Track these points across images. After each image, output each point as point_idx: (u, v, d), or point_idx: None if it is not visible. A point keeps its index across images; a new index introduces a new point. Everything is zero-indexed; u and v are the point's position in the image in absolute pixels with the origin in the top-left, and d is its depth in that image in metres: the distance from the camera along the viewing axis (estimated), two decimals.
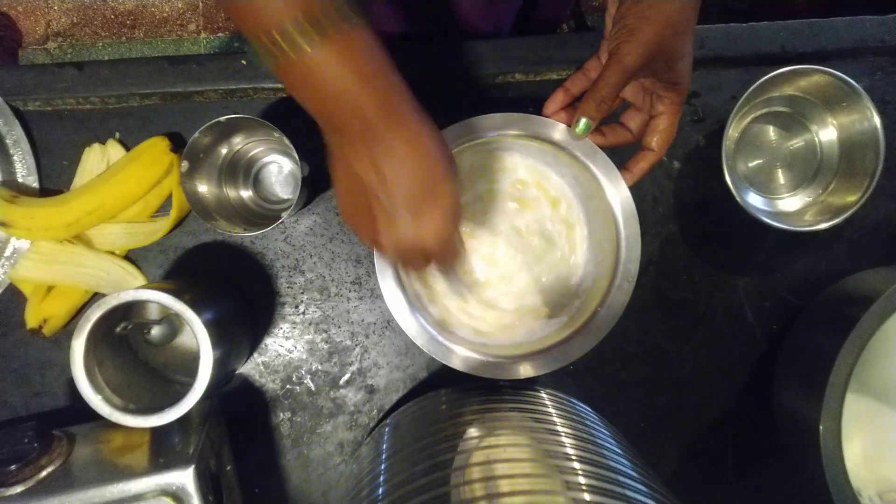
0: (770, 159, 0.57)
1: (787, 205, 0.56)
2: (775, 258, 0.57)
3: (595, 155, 0.48)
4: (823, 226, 0.50)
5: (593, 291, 0.50)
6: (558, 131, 0.48)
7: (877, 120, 0.50)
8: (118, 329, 0.47)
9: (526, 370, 0.48)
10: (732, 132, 0.55)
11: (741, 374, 0.57)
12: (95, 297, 0.54)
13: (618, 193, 0.48)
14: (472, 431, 0.41)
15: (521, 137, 0.49)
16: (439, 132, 0.35)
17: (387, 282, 0.48)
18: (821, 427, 0.44)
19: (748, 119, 0.56)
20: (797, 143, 0.56)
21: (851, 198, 0.51)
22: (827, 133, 0.55)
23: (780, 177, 0.57)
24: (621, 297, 0.48)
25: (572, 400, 0.49)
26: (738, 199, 0.49)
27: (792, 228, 0.51)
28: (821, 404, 0.44)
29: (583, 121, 0.44)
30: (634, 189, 0.48)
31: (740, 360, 0.57)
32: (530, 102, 0.55)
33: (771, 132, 0.57)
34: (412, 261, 0.38)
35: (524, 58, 0.55)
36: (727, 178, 0.49)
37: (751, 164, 0.57)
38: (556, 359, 0.48)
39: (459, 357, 0.48)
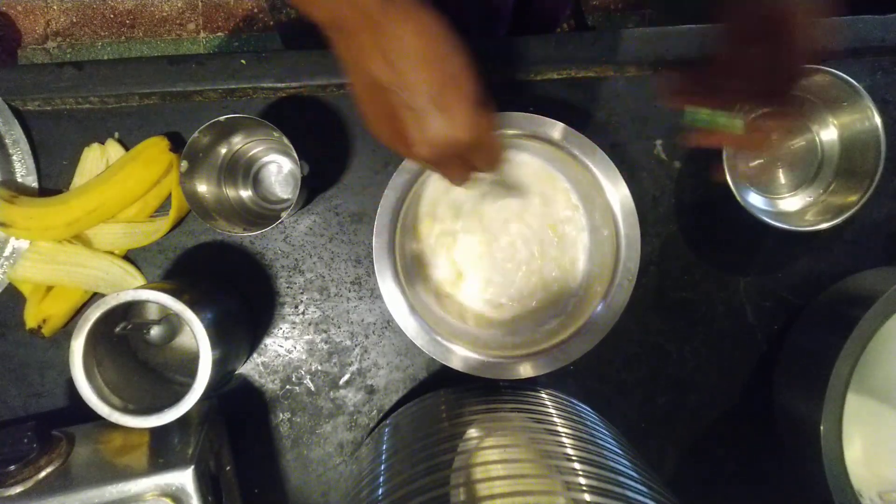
0: (771, 159, 0.57)
1: (788, 205, 0.56)
2: (776, 258, 0.57)
3: (594, 154, 0.48)
4: (824, 226, 0.50)
5: (593, 290, 0.50)
6: (557, 131, 0.48)
7: (878, 120, 0.50)
8: (118, 329, 0.47)
9: (526, 370, 0.48)
10: None
11: (741, 374, 0.57)
12: (95, 297, 0.54)
13: (617, 192, 0.48)
14: (472, 432, 0.41)
15: (520, 137, 0.49)
16: (444, 18, 0.33)
17: (386, 282, 0.48)
18: (821, 427, 0.44)
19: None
20: (798, 142, 0.56)
21: (852, 197, 0.51)
22: (828, 133, 0.55)
23: (781, 176, 0.57)
24: (621, 296, 0.48)
25: (572, 400, 0.49)
26: (738, 199, 0.49)
27: (793, 228, 0.51)
28: (821, 404, 0.44)
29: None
30: (634, 189, 0.48)
31: (740, 360, 0.57)
32: (530, 102, 0.55)
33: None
34: (450, 162, 0.35)
35: (524, 58, 0.55)
36: (728, 178, 0.49)
37: (751, 164, 0.57)
38: (556, 359, 0.48)
39: (459, 357, 0.48)
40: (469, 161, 0.36)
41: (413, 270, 0.52)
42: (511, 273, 0.53)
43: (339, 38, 0.33)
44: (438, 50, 0.32)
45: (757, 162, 0.56)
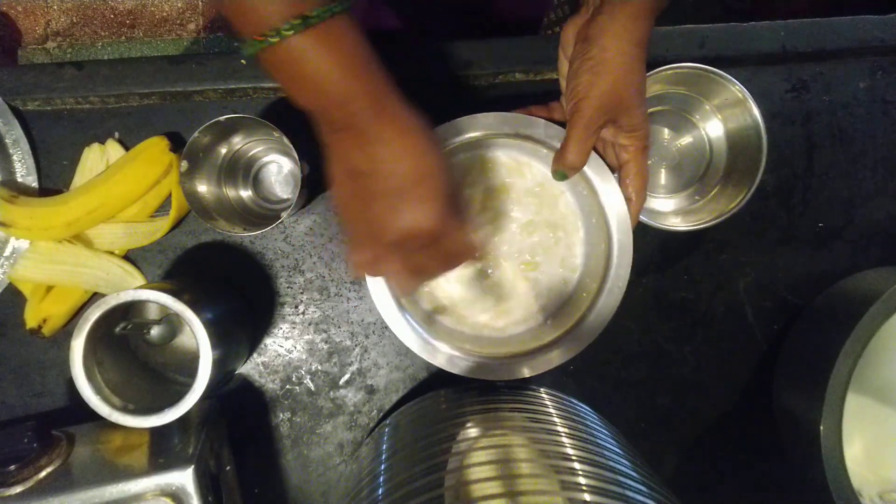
0: (658, 158, 0.56)
1: (677, 203, 0.56)
2: (775, 258, 0.57)
3: (591, 157, 0.48)
4: (711, 223, 0.50)
5: (588, 292, 0.50)
6: (554, 132, 0.48)
7: (756, 111, 0.49)
8: (118, 329, 0.47)
9: (522, 371, 0.48)
10: None
11: (741, 374, 0.57)
12: (95, 297, 0.54)
13: (612, 196, 0.48)
14: (472, 432, 0.41)
15: (516, 137, 0.49)
16: (428, 125, 0.35)
17: (378, 285, 0.48)
18: (821, 427, 0.44)
19: None
20: (686, 140, 0.56)
21: (741, 191, 0.50)
22: (713, 128, 0.54)
23: (670, 175, 0.56)
24: (612, 301, 0.48)
25: (572, 400, 0.49)
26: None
27: (668, 228, 0.51)
28: (821, 404, 0.44)
29: (559, 173, 0.47)
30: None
31: (740, 361, 0.57)
32: (530, 102, 0.55)
33: (662, 131, 0.56)
34: (416, 249, 0.37)
35: (524, 58, 0.55)
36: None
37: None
38: (553, 359, 0.48)
39: (455, 358, 0.48)
40: (434, 249, 0.37)
41: None
42: (507, 274, 0.53)
43: (326, 128, 0.35)
44: (418, 148, 0.34)
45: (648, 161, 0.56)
